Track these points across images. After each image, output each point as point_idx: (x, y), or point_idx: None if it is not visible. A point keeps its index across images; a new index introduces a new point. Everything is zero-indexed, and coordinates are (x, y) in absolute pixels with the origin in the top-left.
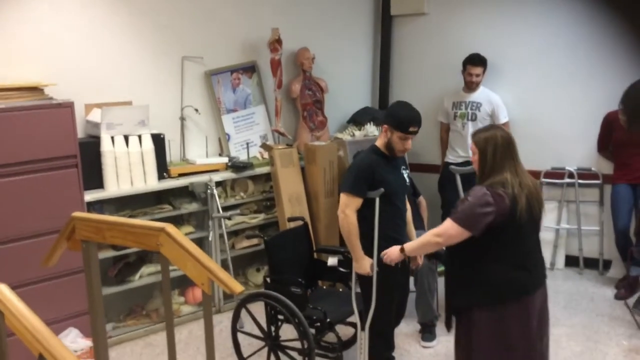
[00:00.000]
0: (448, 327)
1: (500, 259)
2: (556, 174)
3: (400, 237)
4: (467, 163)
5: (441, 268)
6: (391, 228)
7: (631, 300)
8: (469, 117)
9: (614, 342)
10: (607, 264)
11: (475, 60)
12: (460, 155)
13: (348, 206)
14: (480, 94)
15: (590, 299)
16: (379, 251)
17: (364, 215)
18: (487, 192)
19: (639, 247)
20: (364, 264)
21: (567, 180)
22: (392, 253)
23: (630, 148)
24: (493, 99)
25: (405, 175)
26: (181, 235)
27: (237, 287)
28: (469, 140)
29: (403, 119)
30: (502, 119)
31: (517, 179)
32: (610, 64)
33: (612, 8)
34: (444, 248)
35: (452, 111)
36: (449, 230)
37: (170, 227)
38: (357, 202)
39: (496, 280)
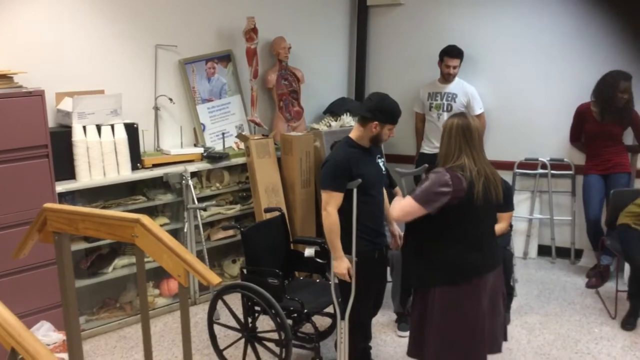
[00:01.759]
0: (403, 306)
1: (455, 241)
2: (529, 164)
3: (379, 228)
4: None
5: None
6: (370, 219)
7: (602, 289)
8: (445, 108)
9: (586, 329)
10: (579, 253)
11: (453, 53)
12: (435, 146)
13: (329, 203)
14: (456, 85)
15: (563, 287)
16: (359, 243)
17: (342, 208)
18: (447, 173)
19: (610, 236)
20: (342, 265)
21: (540, 170)
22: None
23: (601, 139)
24: (469, 90)
25: (382, 165)
26: (156, 226)
27: (215, 278)
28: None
29: (393, 112)
30: (477, 110)
31: (474, 165)
32: (583, 56)
33: (587, 2)
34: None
35: (427, 102)
36: (406, 207)
37: (145, 219)
38: (339, 197)
39: (450, 261)
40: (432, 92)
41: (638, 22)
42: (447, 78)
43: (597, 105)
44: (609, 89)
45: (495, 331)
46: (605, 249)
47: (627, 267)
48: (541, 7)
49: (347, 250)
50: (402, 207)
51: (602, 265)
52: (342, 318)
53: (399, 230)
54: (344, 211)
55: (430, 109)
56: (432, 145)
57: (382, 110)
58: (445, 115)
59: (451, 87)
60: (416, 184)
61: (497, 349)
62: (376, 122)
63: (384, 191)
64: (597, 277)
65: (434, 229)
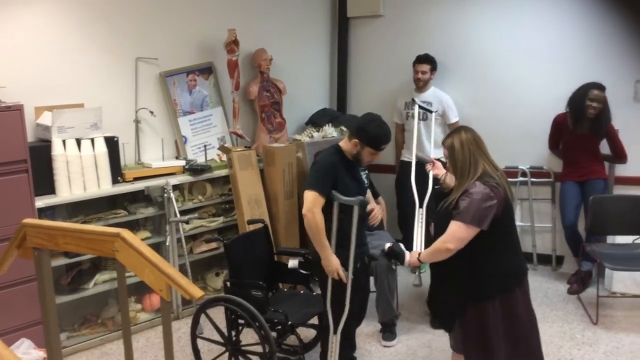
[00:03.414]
0: (444, 326)
1: (504, 248)
2: (509, 172)
3: (360, 239)
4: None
5: (425, 269)
6: (350, 230)
7: (583, 295)
8: (420, 117)
9: (568, 335)
10: (560, 260)
11: (422, 59)
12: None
13: (315, 205)
14: (431, 94)
15: (545, 294)
16: (341, 254)
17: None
18: (485, 186)
19: (590, 242)
20: (332, 263)
21: (520, 178)
22: (412, 260)
23: (577, 149)
24: (443, 99)
25: (364, 177)
26: (138, 240)
27: (197, 292)
28: (424, 141)
29: (376, 137)
30: (453, 118)
31: (496, 170)
32: (562, 65)
33: (565, 12)
34: (404, 248)
35: (404, 111)
36: (458, 233)
37: (126, 233)
38: (322, 201)
39: (505, 270)
40: (408, 101)
41: (620, 31)
42: (417, 84)
43: (570, 116)
44: (580, 98)
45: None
46: (585, 254)
47: (607, 272)
48: (520, 16)
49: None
50: (454, 237)
51: (583, 271)
52: (335, 332)
53: (378, 207)
54: (326, 225)
55: (407, 118)
56: (411, 154)
57: (365, 131)
58: (422, 124)
59: (426, 96)
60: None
61: None
62: (356, 141)
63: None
64: (578, 283)
65: (481, 241)
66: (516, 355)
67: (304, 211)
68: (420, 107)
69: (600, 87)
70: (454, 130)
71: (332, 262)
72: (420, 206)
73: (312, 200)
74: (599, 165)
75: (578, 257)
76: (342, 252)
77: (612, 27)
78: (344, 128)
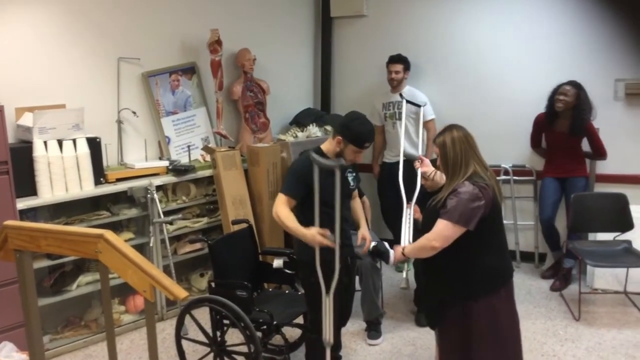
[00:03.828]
0: (428, 323)
1: (490, 248)
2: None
3: (343, 239)
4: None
5: (410, 267)
6: (333, 230)
7: (566, 291)
8: (397, 117)
9: (551, 332)
10: (543, 257)
11: (394, 59)
12: (396, 154)
13: (278, 205)
14: (406, 93)
15: (528, 291)
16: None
17: (305, 217)
18: (474, 186)
19: (572, 239)
20: (309, 233)
21: (502, 177)
22: (397, 254)
23: (558, 147)
24: (418, 97)
25: (350, 179)
26: (121, 241)
27: (181, 292)
28: (402, 140)
29: (359, 135)
30: (428, 116)
31: (486, 170)
32: (542, 64)
33: (545, 11)
34: (388, 246)
35: (382, 112)
36: (444, 231)
37: (109, 234)
38: (291, 203)
39: (491, 269)
40: (385, 102)
41: (600, 30)
42: (392, 84)
43: (545, 113)
44: (552, 94)
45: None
46: (568, 251)
47: (589, 269)
48: (502, 16)
49: (309, 255)
50: (440, 235)
51: (564, 268)
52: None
53: (369, 235)
54: (306, 221)
55: (385, 119)
56: (392, 155)
57: (349, 129)
58: (399, 124)
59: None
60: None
61: None
62: (340, 138)
63: (359, 201)
64: (560, 280)
65: (469, 241)
66: (494, 357)
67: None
68: (408, 102)
69: (573, 84)
70: (445, 128)
71: (307, 233)
72: (409, 202)
73: (278, 202)
74: (580, 164)
75: (554, 251)
76: (327, 250)
77: (592, 27)
78: (328, 128)
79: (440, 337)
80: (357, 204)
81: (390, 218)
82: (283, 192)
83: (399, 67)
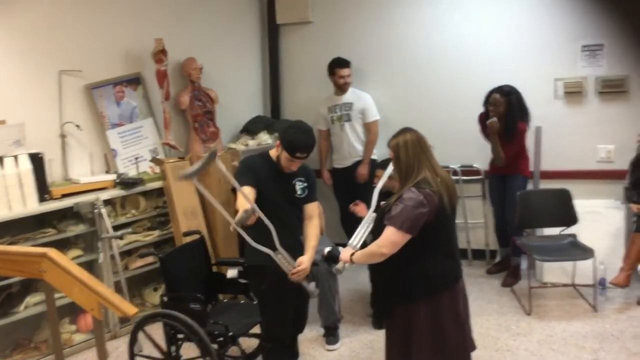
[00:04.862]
0: (379, 325)
1: (433, 252)
2: None
3: (286, 242)
4: (355, 166)
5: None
6: (278, 235)
7: (517, 287)
8: (345, 119)
9: (504, 327)
10: (493, 254)
11: (344, 63)
12: (346, 159)
13: (238, 200)
14: (351, 95)
15: (480, 288)
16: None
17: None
18: (419, 193)
19: (519, 236)
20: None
21: (452, 177)
22: (344, 255)
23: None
24: (363, 98)
25: (299, 187)
26: (65, 259)
27: (130, 309)
28: (352, 141)
29: (292, 144)
30: (372, 117)
31: (436, 176)
32: (485, 67)
33: (486, 13)
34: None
35: (329, 116)
36: (392, 238)
37: (52, 252)
38: (249, 191)
39: (431, 273)
40: (331, 105)
41: (539, 31)
42: (344, 89)
43: (484, 118)
44: (484, 100)
45: (469, 331)
46: (515, 248)
47: (538, 263)
48: (442, 18)
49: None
50: (389, 242)
51: (512, 265)
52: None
53: (307, 264)
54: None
55: (332, 122)
56: (341, 158)
57: (285, 136)
58: (347, 125)
59: (346, 97)
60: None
61: (474, 347)
62: (278, 143)
63: (315, 225)
64: (510, 275)
65: (411, 245)
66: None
67: None
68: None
69: (502, 91)
70: (399, 132)
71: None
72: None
73: (237, 198)
74: (519, 161)
75: (503, 247)
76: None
77: (532, 27)
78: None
79: (385, 337)
80: (311, 227)
81: (348, 225)
82: (239, 184)
83: (348, 71)
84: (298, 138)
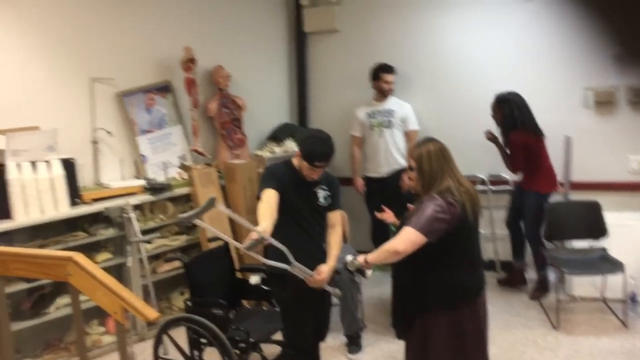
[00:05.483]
0: (400, 335)
1: (455, 263)
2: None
3: (308, 250)
4: (392, 176)
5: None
6: (299, 242)
7: (545, 300)
8: (385, 125)
9: (531, 341)
10: None
11: (389, 69)
12: (381, 167)
13: (261, 200)
14: (393, 102)
15: (507, 301)
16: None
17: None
18: (441, 200)
19: (545, 248)
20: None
21: (479, 187)
22: (360, 258)
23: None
24: (405, 107)
25: (321, 196)
26: (90, 263)
27: (152, 314)
28: (391, 149)
29: (311, 153)
30: (413, 126)
31: (459, 186)
32: (514, 75)
33: (518, 21)
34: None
35: (367, 121)
36: (407, 236)
37: (78, 256)
38: (272, 196)
39: (452, 285)
40: (371, 111)
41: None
42: (386, 94)
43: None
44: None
45: (487, 344)
46: (543, 260)
47: (567, 277)
48: (473, 25)
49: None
50: (407, 239)
51: (540, 275)
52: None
53: (326, 274)
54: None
55: (371, 128)
56: (378, 169)
57: (303, 145)
58: (386, 132)
59: (388, 104)
60: None
61: None
62: (298, 152)
63: (337, 233)
64: (539, 288)
65: (433, 254)
66: None
67: None
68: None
69: (497, 98)
70: (421, 142)
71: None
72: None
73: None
74: (533, 177)
75: (514, 258)
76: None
77: (560, 36)
78: None
79: (405, 347)
80: (333, 236)
81: (378, 241)
82: (259, 190)
83: (393, 77)
84: (316, 147)
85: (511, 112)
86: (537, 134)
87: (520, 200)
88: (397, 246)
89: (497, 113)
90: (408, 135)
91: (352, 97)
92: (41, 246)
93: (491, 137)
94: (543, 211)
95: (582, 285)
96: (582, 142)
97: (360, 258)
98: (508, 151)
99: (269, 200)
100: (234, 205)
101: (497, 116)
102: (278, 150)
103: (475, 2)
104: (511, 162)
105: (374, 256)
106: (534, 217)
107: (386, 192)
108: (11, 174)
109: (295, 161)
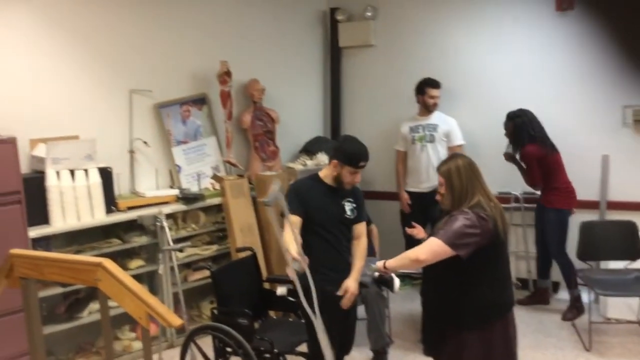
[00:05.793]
0: (428, 351)
1: (488, 280)
2: (502, 198)
3: (335, 264)
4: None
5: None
6: (324, 255)
7: (578, 321)
8: (427, 139)
9: None
10: (556, 286)
11: (435, 83)
12: (422, 182)
13: (285, 230)
14: (437, 117)
15: (539, 320)
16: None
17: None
18: (472, 214)
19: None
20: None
21: (513, 204)
22: (379, 264)
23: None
24: (449, 121)
25: (348, 208)
26: (119, 269)
27: (176, 320)
28: (434, 163)
29: (353, 155)
30: (457, 141)
31: (489, 201)
32: (551, 92)
33: (555, 36)
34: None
35: (410, 135)
36: (432, 246)
37: (107, 262)
38: (294, 219)
39: (483, 301)
40: (414, 125)
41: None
42: (431, 109)
43: None
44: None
45: None
46: (575, 280)
47: (602, 298)
48: (519, 40)
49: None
50: (430, 249)
51: (574, 297)
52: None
53: (353, 288)
54: (305, 245)
55: (413, 142)
56: (419, 184)
57: (342, 151)
58: (429, 146)
59: (432, 118)
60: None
61: None
62: (336, 161)
63: (363, 244)
64: (572, 309)
65: (464, 270)
66: None
67: None
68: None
69: (508, 115)
70: (449, 157)
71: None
72: None
73: (285, 227)
74: (552, 193)
75: (540, 278)
76: (319, 275)
77: (599, 54)
78: None
79: None
80: (358, 247)
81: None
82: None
83: (439, 92)
84: (357, 148)
85: (523, 127)
86: (550, 148)
87: (541, 218)
88: (419, 254)
89: (508, 129)
90: (452, 150)
91: (387, 112)
92: (77, 252)
93: (508, 157)
94: (565, 228)
95: (617, 307)
96: (620, 161)
97: (380, 263)
98: (524, 165)
99: (294, 226)
100: (265, 216)
101: (510, 133)
102: (310, 163)
103: (514, 18)
104: (528, 176)
105: (393, 262)
106: (555, 235)
107: (424, 207)
108: (50, 181)
109: (323, 174)
